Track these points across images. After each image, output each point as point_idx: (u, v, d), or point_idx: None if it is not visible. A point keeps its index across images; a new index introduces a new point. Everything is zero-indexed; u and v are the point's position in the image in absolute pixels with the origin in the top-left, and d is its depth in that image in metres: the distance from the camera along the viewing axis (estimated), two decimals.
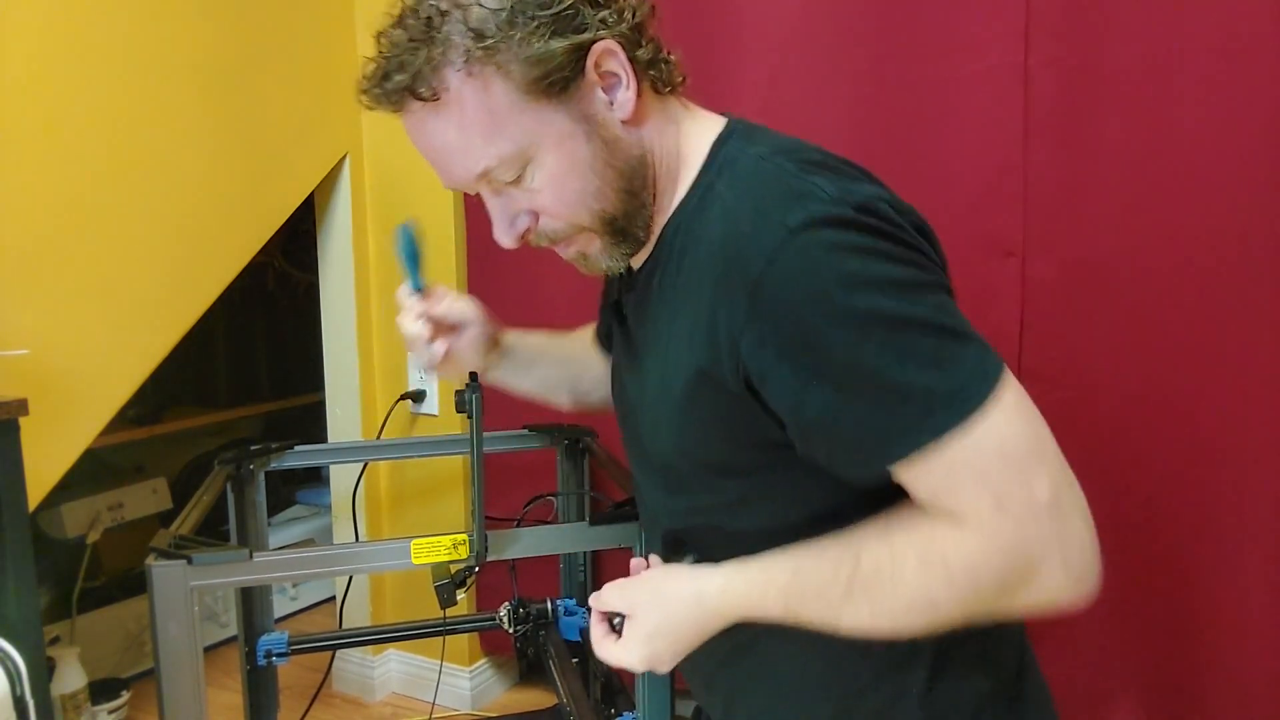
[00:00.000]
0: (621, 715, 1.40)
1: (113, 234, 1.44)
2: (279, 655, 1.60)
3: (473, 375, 1.15)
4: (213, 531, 1.54)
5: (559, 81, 0.70)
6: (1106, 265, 1.30)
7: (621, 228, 0.75)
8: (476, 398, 1.13)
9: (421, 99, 0.69)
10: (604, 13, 0.71)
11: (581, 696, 1.47)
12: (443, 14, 0.68)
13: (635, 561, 0.86)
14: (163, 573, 1.02)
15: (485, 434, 1.19)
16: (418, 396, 1.87)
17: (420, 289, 0.93)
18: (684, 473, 0.78)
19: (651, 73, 0.76)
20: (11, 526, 1.16)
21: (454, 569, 1.14)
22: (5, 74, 1.30)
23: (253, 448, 1.55)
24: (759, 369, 0.66)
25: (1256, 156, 1.18)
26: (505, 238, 0.76)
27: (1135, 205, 1.27)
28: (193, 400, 2.54)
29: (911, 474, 0.64)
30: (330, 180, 1.85)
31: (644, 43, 0.75)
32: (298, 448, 1.62)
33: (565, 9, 0.69)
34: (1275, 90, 1.17)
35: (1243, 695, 1.29)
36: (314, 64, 1.76)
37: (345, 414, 1.93)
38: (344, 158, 1.84)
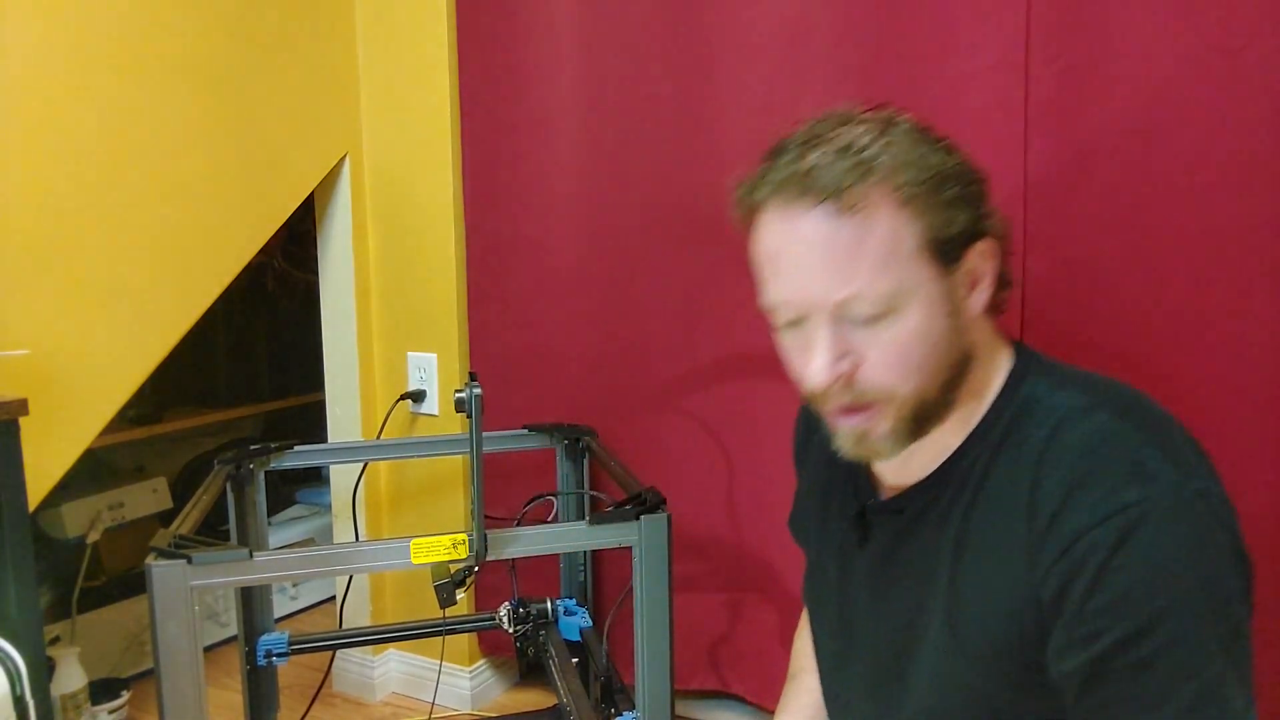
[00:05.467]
0: (621, 715, 1.40)
1: (113, 234, 1.44)
2: (279, 655, 1.60)
3: (471, 374, 1.15)
4: (213, 531, 1.54)
5: (951, 254, 0.73)
6: (1106, 265, 1.30)
7: (923, 415, 0.75)
8: (476, 397, 1.13)
9: (840, 207, 0.69)
10: (996, 218, 0.77)
11: (581, 696, 1.47)
12: (887, 144, 0.71)
13: None
14: (163, 572, 1.02)
15: (485, 434, 1.19)
16: (418, 396, 1.87)
17: None
18: None
19: (996, 291, 0.79)
20: (11, 526, 1.16)
21: (454, 569, 1.13)
22: (5, 74, 1.30)
23: (253, 448, 1.56)
24: (1066, 639, 0.68)
25: (1257, 155, 1.18)
26: (823, 371, 0.72)
27: (1135, 204, 1.27)
28: (193, 400, 2.54)
29: None
30: (330, 180, 1.85)
31: (1005, 262, 0.80)
32: (298, 448, 1.63)
33: (976, 192, 0.76)
34: (1276, 88, 1.17)
35: None
36: (314, 64, 1.76)
37: (345, 414, 1.93)
38: (344, 158, 1.84)
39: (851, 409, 0.75)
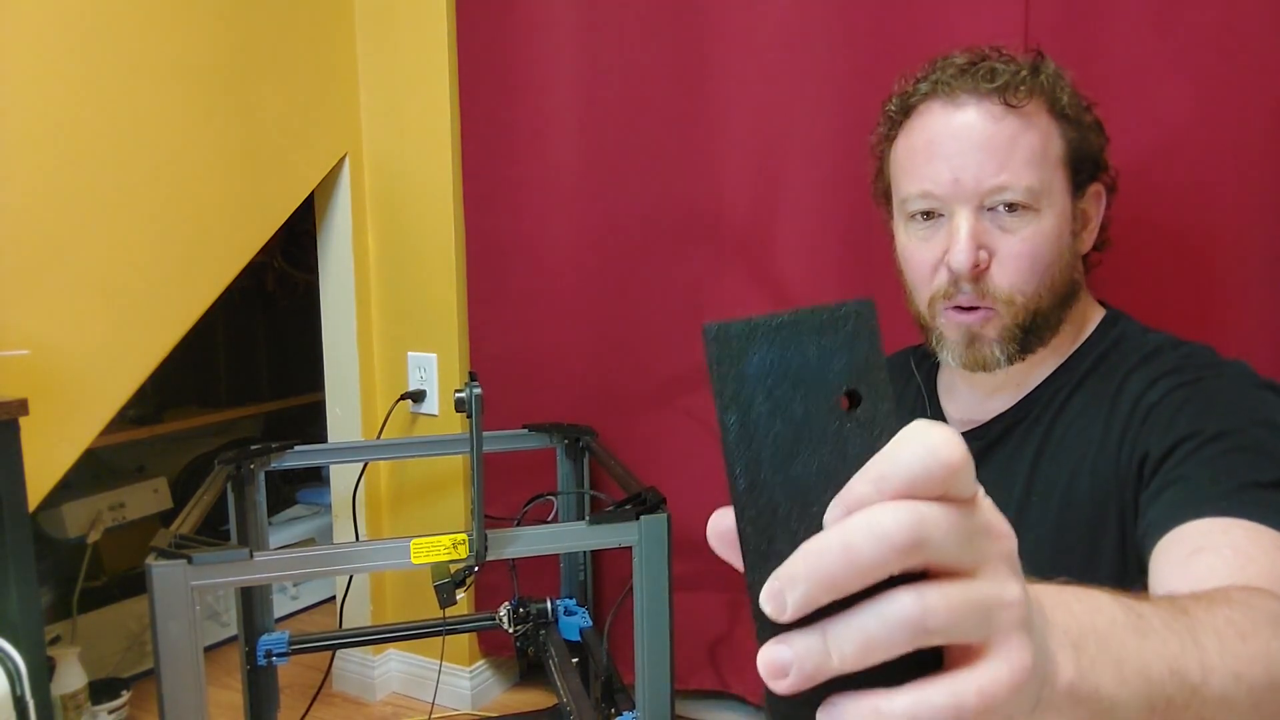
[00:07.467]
0: (621, 715, 1.40)
1: (113, 234, 1.44)
2: (279, 655, 1.60)
3: (471, 374, 1.15)
4: (213, 531, 1.54)
5: (1080, 177, 0.82)
6: (1106, 264, 1.30)
7: (1032, 328, 0.81)
8: (476, 397, 1.13)
9: (1007, 101, 0.78)
10: (1111, 171, 0.87)
11: (581, 696, 1.48)
12: (1046, 67, 0.82)
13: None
14: (163, 572, 1.02)
15: (485, 433, 1.19)
16: (418, 396, 1.87)
17: None
18: None
19: (1093, 250, 0.88)
20: (12, 526, 1.16)
21: (454, 568, 1.14)
22: (6, 74, 1.30)
23: (253, 448, 1.56)
24: (1153, 406, 0.75)
25: (1257, 154, 1.18)
26: (965, 255, 0.79)
27: (1135, 203, 1.27)
28: (193, 400, 2.54)
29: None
30: (330, 180, 1.85)
31: (1107, 216, 0.89)
32: (298, 448, 1.63)
33: (1102, 133, 0.86)
34: (1275, 87, 1.17)
35: None
36: (314, 64, 1.76)
37: (345, 414, 1.93)
38: (344, 158, 1.84)
39: (972, 306, 0.81)
